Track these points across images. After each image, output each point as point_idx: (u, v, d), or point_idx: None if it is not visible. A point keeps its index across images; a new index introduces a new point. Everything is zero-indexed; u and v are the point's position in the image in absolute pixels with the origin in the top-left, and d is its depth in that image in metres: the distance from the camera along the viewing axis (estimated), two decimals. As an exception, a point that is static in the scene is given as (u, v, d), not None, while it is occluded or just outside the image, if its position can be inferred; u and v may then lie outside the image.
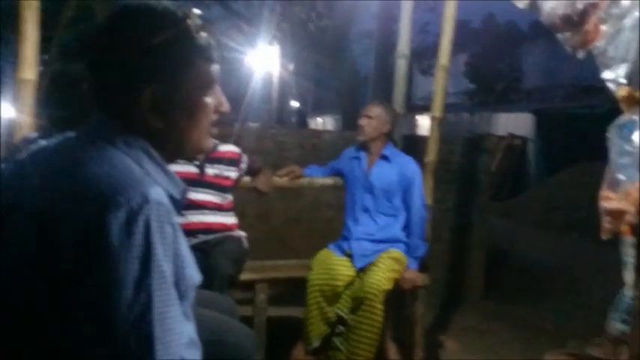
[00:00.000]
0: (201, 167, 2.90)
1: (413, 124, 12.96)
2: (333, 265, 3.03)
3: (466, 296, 4.87)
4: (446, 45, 3.46)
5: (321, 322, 2.97)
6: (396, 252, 3.07)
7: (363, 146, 3.25)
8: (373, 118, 3.14)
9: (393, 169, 3.16)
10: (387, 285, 2.92)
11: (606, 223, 2.28)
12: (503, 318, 4.34)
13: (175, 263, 0.98)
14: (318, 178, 3.44)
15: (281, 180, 3.28)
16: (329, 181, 3.47)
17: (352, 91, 9.52)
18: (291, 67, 9.42)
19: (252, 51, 9.55)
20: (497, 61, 11.13)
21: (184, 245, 1.04)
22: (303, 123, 10.46)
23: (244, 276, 2.93)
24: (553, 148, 9.48)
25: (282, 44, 9.17)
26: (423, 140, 3.59)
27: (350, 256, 3.08)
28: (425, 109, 9.95)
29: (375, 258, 3.02)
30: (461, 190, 5.08)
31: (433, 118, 3.54)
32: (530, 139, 10.22)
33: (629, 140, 2.17)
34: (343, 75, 9.58)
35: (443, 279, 4.82)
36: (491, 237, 5.21)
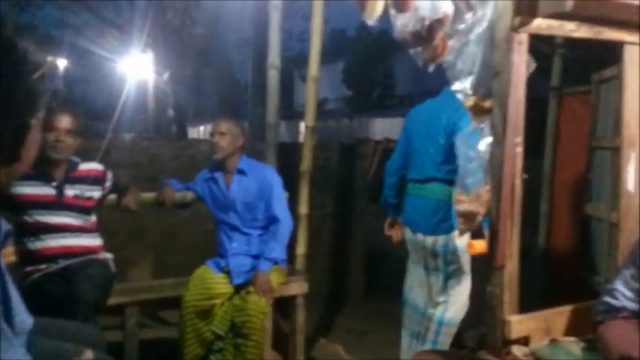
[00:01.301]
0: (59, 189, 2.72)
1: (295, 132, 13.15)
2: (210, 284, 2.97)
3: (348, 298, 5.01)
4: (315, 56, 3.54)
5: (197, 342, 2.91)
6: (273, 266, 3.07)
7: (218, 165, 3.17)
8: (226, 134, 3.08)
9: (252, 182, 3.13)
10: (268, 306, 2.95)
11: (460, 225, 2.44)
12: (384, 317, 4.49)
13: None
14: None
15: (150, 195, 3.17)
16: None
17: (232, 99, 9.45)
18: (166, 75, 9.16)
19: (124, 59, 9.16)
20: (372, 69, 11.59)
21: (13, 291, 0.96)
22: (182, 133, 10.21)
23: (113, 300, 2.79)
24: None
25: (155, 52, 8.89)
26: (302, 147, 3.64)
27: (227, 272, 3.03)
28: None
29: (253, 275, 2.99)
30: (339, 194, 5.23)
31: (307, 128, 3.61)
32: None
33: (474, 148, 2.34)
34: (222, 83, 9.48)
35: (325, 283, 4.92)
36: (371, 239, 5.40)
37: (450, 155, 2.77)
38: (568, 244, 3.76)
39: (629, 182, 2.73)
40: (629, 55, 2.62)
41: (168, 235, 4.33)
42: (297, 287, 3.32)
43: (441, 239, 2.89)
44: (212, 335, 2.92)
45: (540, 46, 3.91)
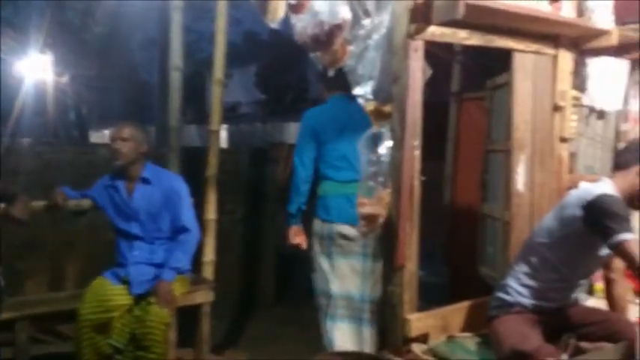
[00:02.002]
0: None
1: (207, 135, 12.91)
2: (107, 295, 2.83)
3: (258, 304, 4.96)
4: (219, 58, 3.48)
5: (94, 357, 2.76)
6: (177, 275, 2.98)
7: (120, 172, 3.02)
8: (129, 140, 2.93)
9: (157, 191, 3.00)
10: (170, 317, 2.86)
11: (362, 227, 2.48)
12: (294, 322, 4.48)
13: None
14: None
15: (41, 204, 2.97)
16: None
17: (138, 102, 9.14)
18: (66, 76, 8.71)
19: (21, 60, 8.62)
20: (285, 73, 11.58)
21: None
22: (84, 137, 9.73)
23: (2, 316, 2.60)
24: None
25: (55, 52, 8.43)
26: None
27: (127, 282, 2.90)
28: (218, 119, 9.91)
29: (155, 284, 2.89)
30: (250, 199, 5.17)
31: (211, 132, 3.54)
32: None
33: (375, 151, 2.39)
34: (128, 85, 9.15)
35: (235, 289, 4.85)
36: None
37: None
38: (467, 242, 3.92)
39: (519, 183, 2.89)
40: (518, 62, 2.78)
41: (67, 246, 4.08)
42: (203, 296, 3.24)
43: None
44: (110, 349, 2.78)
45: (441, 53, 4.07)
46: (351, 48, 2.44)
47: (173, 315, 2.98)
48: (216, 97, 3.49)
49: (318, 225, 3.19)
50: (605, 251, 2.21)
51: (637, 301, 2.74)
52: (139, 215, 2.98)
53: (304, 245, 3.25)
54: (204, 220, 3.39)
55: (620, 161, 2.28)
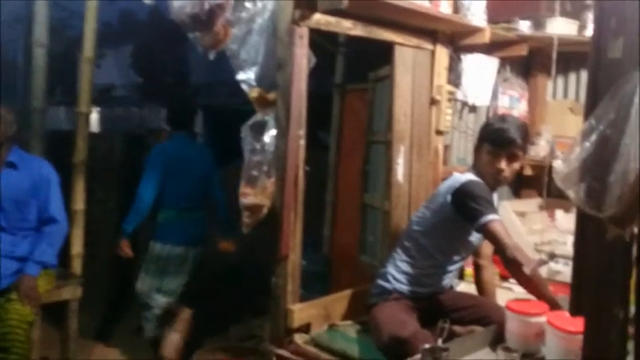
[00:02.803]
0: None
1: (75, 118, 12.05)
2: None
3: (131, 298, 4.71)
4: (89, 36, 3.22)
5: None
6: (42, 270, 2.73)
7: None
8: None
9: (25, 178, 2.78)
10: (33, 314, 2.62)
11: (245, 218, 2.41)
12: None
13: None
14: None
15: None
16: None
17: (4, 82, 8.26)
18: None
19: None
20: (164, 55, 11.09)
21: None
22: None
23: None
24: (219, 143, 9.87)
25: None
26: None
27: (-15, 277, 2.61)
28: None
29: (17, 279, 2.63)
30: (124, 188, 4.87)
31: (79, 114, 3.27)
32: (200, 134, 10.49)
33: (259, 140, 2.32)
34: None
35: (107, 283, 4.57)
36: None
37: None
38: (350, 232, 3.99)
39: (399, 173, 2.97)
40: (399, 55, 2.84)
41: None
42: (70, 292, 3.01)
43: (192, 249, 3.66)
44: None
45: (326, 43, 4.07)
46: (233, 31, 2.34)
47: (37, 313, 2.74)
48: (85, 76, 3.22)
49: (157, 247, 3.65)
50: (475, 237, 2.33)
51: (504, 285, 2.93)
52: (2, 204, 2.70)
53: (129, 254, 3.61)
54: (72, 211, 3.14)
55: (475, 146, 2.41)
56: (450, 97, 3.12)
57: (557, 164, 1.38)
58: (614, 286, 1.31)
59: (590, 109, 1.37)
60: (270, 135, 2.36)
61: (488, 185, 2.29)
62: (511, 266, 2.13)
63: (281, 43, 2.34)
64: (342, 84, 4.28)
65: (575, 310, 1.44)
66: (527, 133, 2.34)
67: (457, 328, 2.25)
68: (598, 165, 1.32)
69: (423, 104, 3.01)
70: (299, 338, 2.35)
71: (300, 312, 2.40)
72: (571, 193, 1.37)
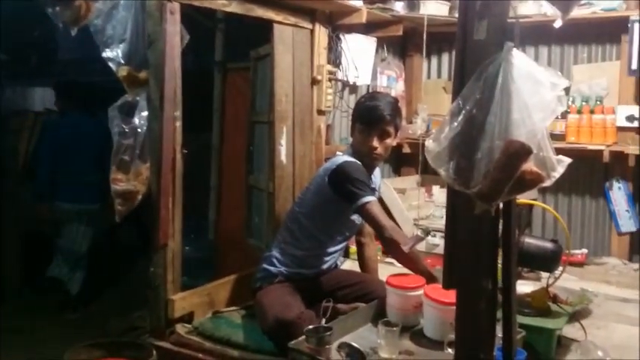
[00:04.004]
0: None
1: None
2: None
3: (2, 294, 4.33)
4: None
5: None
6: None
7: None
8: None
9: None
10: None
11: (118, 206, 2.26)
12: (43, 311, 4.01)
13: None
14: None
15: None
16: None
17: None
18: None
19: None
20: (29, 30, 10.17)
21: None
22: None
23: None
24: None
25: None
26: None
27: None
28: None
29: None
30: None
31: None
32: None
33: (129, 122, 2.18)
34: None
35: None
36: (28, 223, 4.72)
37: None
38: (236, 215, 3.91)
39: (282, 154, 2.94)
40: (278, 33, 2.79)
41: None
42: None
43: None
44: None
45: (204, 19, 3.92)
46: (97, 5, 2.15)
47: None
48: None
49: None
50: (357, 216, 2.36)
51: (386, 260, 3.01)
52: None
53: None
54: None
55: (351, 127, 2.43)
56: (330, 76, 3.12)
57: (428, 143, 1.41)
58: (483, 258, 1.36)
59: (457, 89, 1.40)
60: (141, 116, 2.22)
61: (365, 164, 2.32)
62: (389, 246, 2.19)
63: (151, 19, 2.20)
64: (223, 62, 4.15)
65: (447, 283, 1.49)
66: (397, 108, 2.36)
67: (342, 306, 2.27)
68: (466, 143, 1.36)
69: (304, 84, 2.99)
70: (181, 328, 2.26)
71: (182, 301, 2.31)
72: (441, 171, 1.41)
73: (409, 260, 2.20)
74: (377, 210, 2.17)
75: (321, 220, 2.33)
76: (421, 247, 3.30)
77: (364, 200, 2.16)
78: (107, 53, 2.22)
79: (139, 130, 2.21)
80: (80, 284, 4.05)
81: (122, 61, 2.23)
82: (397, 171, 4.08)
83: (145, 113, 2.22)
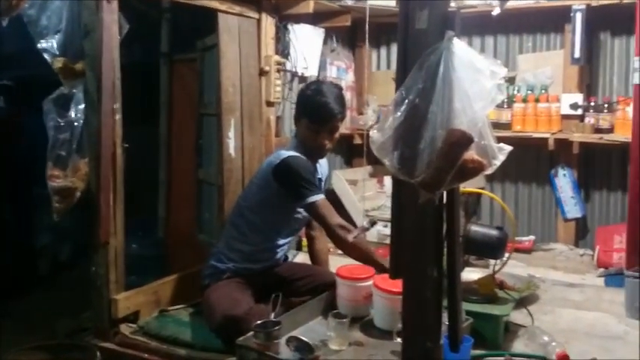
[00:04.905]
0: None
1: None
2: None
3: None
4: None
5: None
6: None
7: None
8: None
9: None
10: None
11: (56, 203, 2.16)
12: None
13: None
14: None
15: None
16: None
17: None
18: None
19: None
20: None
21: None
22: None
23: None
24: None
25: None
26: None
27: None
28: None
29: None
30: None
31: None
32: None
33: (65, 115, 2.08)
34: None
35: None
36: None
37: None
38: (186, 210, 3.82)
39: (231, 147, 2.89)
40: (223, 23, 2.73)
41: None
42: None
43: None
44: None
45: (149, 10, 3.80)
46: (30, -6, 2.05)
47: None
48: None
49: None
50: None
51: (338, 252, 2.99)
52: None
53: None
54: None
55: (294, 117, 2.38)
56: (278, 67, 3.08)
57: (373, 133, 1.40)
58: (428, 247, 1.36)
59: (400, 79, 1.39)
60: (78, 109, 2.13)
61: (311, 157, 2.28)
62: (337, 243, 2.18)
63: (87, 9, 2.11)
64: (170, 53, 4.04)
65: (394, 273, 1.48)
66: (344, 99, 2.31)
67: (294, 300, 2.25)
68: (409, 133, 1.35)
69: (251, 75, 2.94)
70: (126, 328, 2.19)
71: (126, 301, 2.24)
72: (386, 161, 1.40)
73: (358, 253, 2.19)
74: (323, 209, 2.14)
75: (267, 214, 2.29)
76: (372, 237, 3.32)
77: (310, 200, 2.13)
78: (42, 44, 2.12)
79: (76, 123, 2.12)
80: None
81: (57, 53, 2.13)
82: (349, 162, 4.08)
83: (82, 106, 2.13)
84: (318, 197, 2.15)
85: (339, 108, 2.24)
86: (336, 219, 2.15)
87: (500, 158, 1.35)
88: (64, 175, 2.13)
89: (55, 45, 2.12)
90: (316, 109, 2.22)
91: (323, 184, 2.43)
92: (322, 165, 2.46)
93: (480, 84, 1.33)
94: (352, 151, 4.02)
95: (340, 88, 2.39)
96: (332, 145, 2.32)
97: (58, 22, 2.15)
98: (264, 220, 2.29)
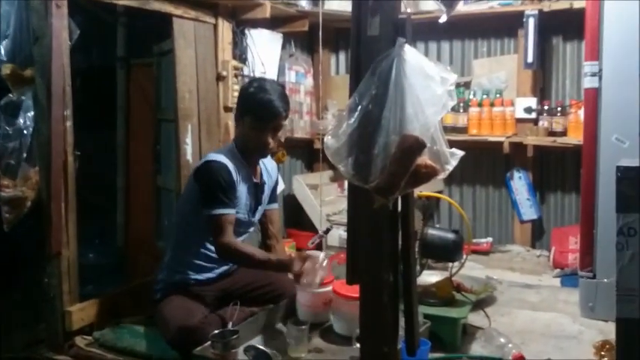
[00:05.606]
0: None
1: None
2: None
3: None
4: None
5: None
6: None
7: None
8: None
9: None
10: None
11: (5, 214, 2.08)
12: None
13: None
14: None
15: None
16: None
17: None
18: None
19: None
20: None
21: None
22: None
23: None
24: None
25: None
26: None
27: None
28: None
29: None
30: None
31: None
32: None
33: (13, 123, 2.02)
34: None
35: None
36: None
37: None
38: (145, 218, 3.75)
39: (188, 153, 2.85)
40: (178, 28, 2.69)
41: None
42: None
43: None
44: None
45: (104, 14, 3.72)
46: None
47: None
48: None
49: None
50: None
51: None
52: None
53: None
54: None
55: (235, 116, 2.29)
56: (236, 72, 3.05)
57: (327, 139, 1.40)
58: (383, 252, 1.37)
59: (354, 85, 1.39)
60: (27, 117, 2.06)
61: (252, 157, 2.23)
62: (223, 255, 2.13)
63: (36, 14, 2.05)
64: (126, 57, 3.96)
65: (351, 278, 1.49)
66: (287, 98, 2.25)
67: (253, 308, 2.21)
68: (363, 139, 1.36)
69: (208, 80, 2.91)
70: (80, 341, 2.13)
71: (80, 312, 2.18)
72: (341, 167, 1.40)
73: (250, 263, 2.15)
74: (220, 227, 2.06)
75: (200, 219, 2.14)
76: (334, 241, 3.33)
77: (212, 212, 2.06)
78: (-11, 50, 2.05)
79: (25, 131, 2.05)
80: None
81: (5, 59, 2.06)
82: (309, 167, 4.08)
83: (32, 113, 2.07)
84: (218, 212, 2.06)
85: (284, 106, 2.17)
86: (229, 237, 2.07)
87: (453, 163, 1.37)
88: (13, 184, 2.06)
89: (2, 51, 2.05)
90: (260, 106, 2.13)
91: (266, 187, 2.36)
92: (268, 168, 2.39)
93: (431, 90, 1.34)
94: (312, 156, 4.02)
95: (283, 86, 2.36)
96: (275, 144, 2.27)
97: (5, 27, 2.08)
98: (200, 226, 2.16)
